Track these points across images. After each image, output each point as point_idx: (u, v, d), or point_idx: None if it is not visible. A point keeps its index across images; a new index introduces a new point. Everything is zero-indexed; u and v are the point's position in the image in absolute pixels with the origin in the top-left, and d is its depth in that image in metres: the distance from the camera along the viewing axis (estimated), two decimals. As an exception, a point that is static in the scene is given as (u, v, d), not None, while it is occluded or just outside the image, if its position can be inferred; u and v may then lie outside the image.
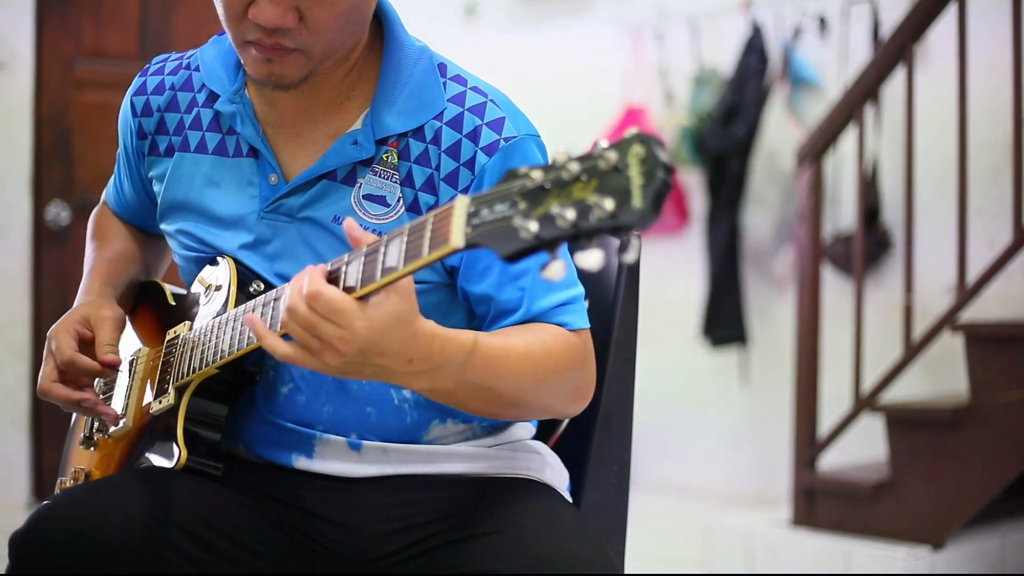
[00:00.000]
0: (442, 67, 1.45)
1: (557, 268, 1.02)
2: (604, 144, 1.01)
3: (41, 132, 4.29)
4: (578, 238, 1.00)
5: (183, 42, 4.41)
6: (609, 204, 0.98)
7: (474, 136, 1.39)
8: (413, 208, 1.40)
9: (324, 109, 1.44)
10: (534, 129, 1.44)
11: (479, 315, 1.43)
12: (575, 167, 1.01)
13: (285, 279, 1.41)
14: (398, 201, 1.40)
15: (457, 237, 1.06)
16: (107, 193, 1.69)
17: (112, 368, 1.45)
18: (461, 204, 1.07)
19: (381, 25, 1.46)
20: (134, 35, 4.45)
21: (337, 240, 1.41)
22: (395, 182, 1.40)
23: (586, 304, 1.43)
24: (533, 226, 1.01)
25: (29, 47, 4.25)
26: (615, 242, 1.59)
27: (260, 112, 1.46)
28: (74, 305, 1.53)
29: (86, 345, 1.46)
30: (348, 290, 1.17)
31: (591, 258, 1.00)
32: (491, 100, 1.42)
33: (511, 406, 1.37)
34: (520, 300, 1.38)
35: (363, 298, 1.17)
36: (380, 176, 1.41)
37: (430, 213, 1.12)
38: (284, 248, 1.43)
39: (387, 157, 1.41)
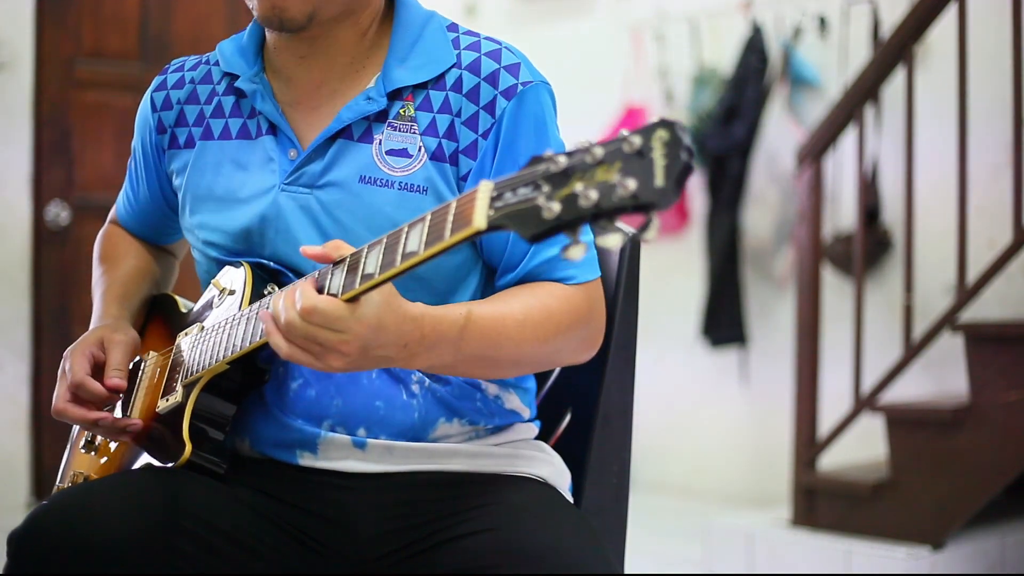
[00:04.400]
0: (452, 26, 1.49)
1: (578, 250, 1.03)
2: (626, 133, 1.03)
3: (41, 132, 4.28)
4: (599, 217, 1.02)
5: (183, 42, 4.41)
6: (632, 184, 1.00)
7: (493, 79, 1.42)
8: (437, 156, 1.41)
9: (339, 78, 1.46)
10: (546, 78, 1.47)
11: (491, 267, 1.45)
12: (599, 151, 1.03)
13: (284, 260, 1.43)
14: (420, 150, 1.42)
15: (480, 219, 1.08)
16: (116, 209, 1.70)
17: (117, 392, 1.46)
18: (484, 188, 1.09)
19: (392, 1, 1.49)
20: (134, 35, 4.44)
21: (360, 203, 1.41)
22: (414, 133, 1.42)
23: (595, 253, 1.45)
24: (556, 207, 1.03)
25: (29, 47, 4.24)
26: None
27: (278, 92, 1.49)
28: (89, 328, 1.53)
29: (100, 368, 1.47)
30: (367, 277, 1.18)
31: (611, 239, 1.02)
32: (505, 47, 1.46)
33: (514, 367, 1.41)
34: (526, 252, 1.41)
35: (379, 285, 1.19)
36: (399, 130, 1.43)
37: (453, 199, 1.13)
38: (293, 224, 1.43)
39: (403, 111, 1.43)
